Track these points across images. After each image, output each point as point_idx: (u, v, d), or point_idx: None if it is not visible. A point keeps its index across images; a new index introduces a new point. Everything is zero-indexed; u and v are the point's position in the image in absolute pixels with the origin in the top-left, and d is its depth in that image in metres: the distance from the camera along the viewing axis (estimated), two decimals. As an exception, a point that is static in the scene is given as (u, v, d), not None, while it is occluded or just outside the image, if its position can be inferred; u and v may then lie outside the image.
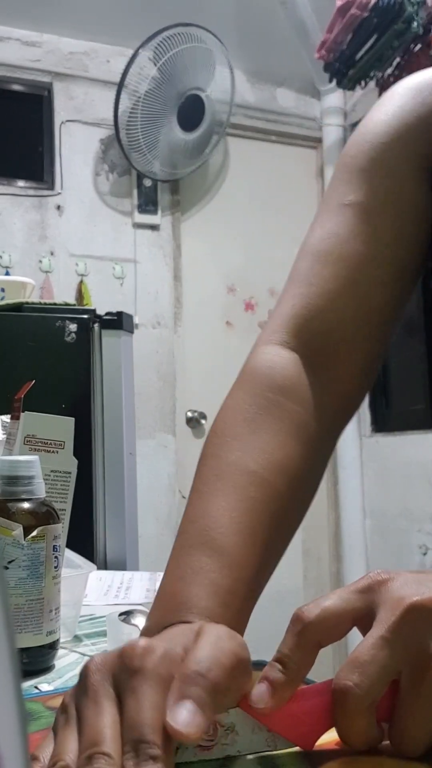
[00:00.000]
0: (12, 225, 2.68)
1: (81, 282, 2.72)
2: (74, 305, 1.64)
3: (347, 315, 0.57)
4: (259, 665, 0.54)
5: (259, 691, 0.36)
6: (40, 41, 2.76)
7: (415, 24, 2.32)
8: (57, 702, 0.48)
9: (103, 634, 0.68)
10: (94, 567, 0.73)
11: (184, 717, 0.31)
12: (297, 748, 0.38)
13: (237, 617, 0.46)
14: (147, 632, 0.44)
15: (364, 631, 0.37)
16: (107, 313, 1.60)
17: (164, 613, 0.45)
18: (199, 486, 0.52)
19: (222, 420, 0.56)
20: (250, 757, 0.38)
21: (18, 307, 1.52)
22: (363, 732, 0.36)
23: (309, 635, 0.38)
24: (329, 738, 0.39)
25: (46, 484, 0.62)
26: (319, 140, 3.19)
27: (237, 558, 0.48)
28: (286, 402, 0.55)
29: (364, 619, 0.38)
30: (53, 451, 0.69)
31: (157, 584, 0.50)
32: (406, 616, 0.35)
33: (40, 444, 0.69)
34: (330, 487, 3.04)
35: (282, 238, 3.15)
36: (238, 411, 0.55)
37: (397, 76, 2.58)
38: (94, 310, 1.60)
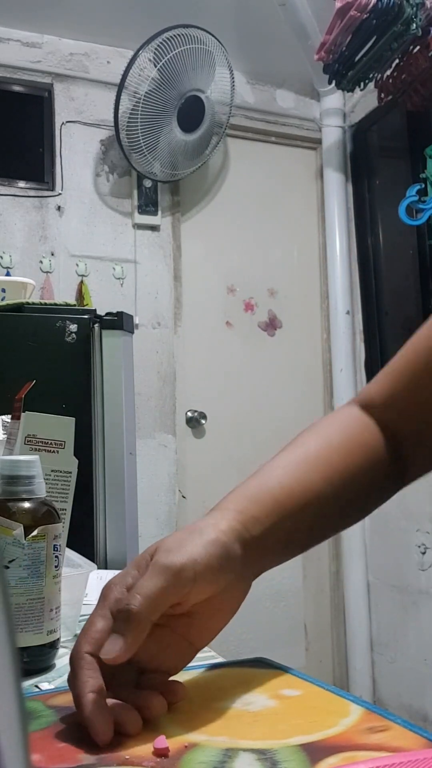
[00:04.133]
0: (12, 225, 2.68)
1: (81, 282, 2.73)
2: (74, 305, 1.64)
3: (409, 404, 0.62)
4: (260, 663, 0.55)
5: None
6: (41, 42, 2.77)
7: (414, 26, 2.32)
8: (57, 700, 0.48)
9: (103, 633, 0.68)
10: (95, 566, 0.73)
11: (107, 646, 0.43)
12: (297, 747, 0.38)
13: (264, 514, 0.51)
14: None
15: None
16: (107, 314, 1.60)
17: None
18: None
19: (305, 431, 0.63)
20: (249, 754, 0.38)
21: (18, 308, 1.52)
22: None
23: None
24: (329, 734, 0.39)
25: (46, 483, 0.62)
26: (319, 141, 3.19)
27: (278, 478, 0.54)
28: (357, 428, 0.61)
29: None
30: (54, 451, 0.70)
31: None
32: None
33: (40, 444, 0.69)
34: (330, 488, 3.04)
35: (282, 238, 3.15)
36: (318, 424, 0.63)
37: (396, 78, 2.59)
38: (94, 311, 1.60)
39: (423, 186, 2.59)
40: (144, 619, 0.43)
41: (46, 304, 1.60)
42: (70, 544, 0.73)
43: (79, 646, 0.44)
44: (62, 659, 0.61)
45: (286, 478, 0.54)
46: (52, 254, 2.72)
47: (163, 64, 2.59)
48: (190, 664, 0.53)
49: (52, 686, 0.54)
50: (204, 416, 2.88)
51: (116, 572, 0.97)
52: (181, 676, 0.51)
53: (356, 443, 0.60)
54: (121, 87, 2.61)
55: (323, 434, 0.60)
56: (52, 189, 2.76)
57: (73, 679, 0.43)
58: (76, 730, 0.43)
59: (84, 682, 0.42)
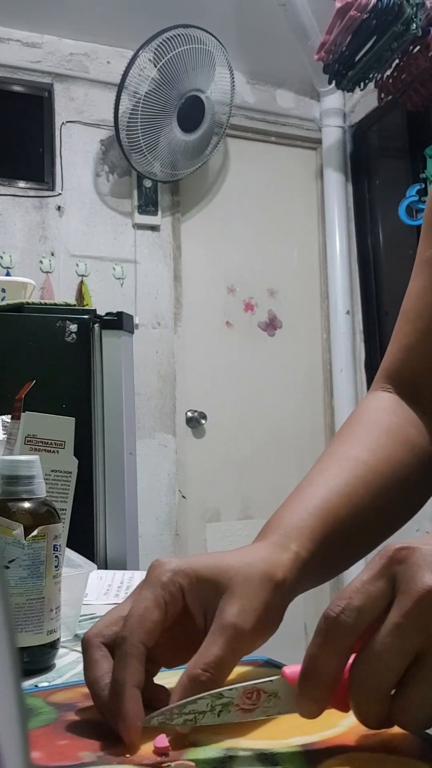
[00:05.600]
0: (12, 226, 2.68)
1: (81, 282, 2.73)
2: (74, 305, 1.64)
3: (424, 362, 0.64)
4: (264, 663, 0.55)
5: (306, 710, 0.38)
6: (41, 42, 2.77)
7: (414, 26, 2.32)
8: (58, 697, 0.49)
9: (103, 633, 0.68)
10: (95, 566, 0.73)
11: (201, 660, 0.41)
12: (297, 747, 0.39)
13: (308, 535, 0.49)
14: None
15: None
16: (107, 314, 1.60)
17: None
18: (307, 473, 0.57)
19: (340, 430, 0.63)
20: (249, 754, 0.38)
21: (18, 308, 1.52)
22: (375, 715, 0.37)
23: (345, 642, 0.37)
24: (330, 735, 0.39)
25: (46, 483, 0.62)
26: (319, 141, 3.19)
27: (321, 492, 0.53)
28: (394, 418, 0.61)
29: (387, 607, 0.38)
30: (54, 451, 0.70)
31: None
32: (422, 602, 0.35)
33: (40, 444, 0.69)
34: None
35: (282, 238, 3.15)
36: (353, 423, 0.62)
37: (396, 78, 2.59)
38: (94, 311, 1.60)
39: (423, 186, 2.59)
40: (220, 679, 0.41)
41: (46, 304, 1.60)
42: (70, 544, 0.73)
43: (131, 633, 0.41)
44: (62, 659, 0.61)
45: (335, 497, 0.52)
46: (52, 254, 2.72)
47: (163, 64, 2.59)
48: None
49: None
50: (204, 416, 2.89)
51: (117, 571, 0.97)
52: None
53: (400, 440, 0.59)
54: (121, 87, 2.61)
55: (368, 441, 0.58)
56: (52, 189, 2.76)
57: (119, 663, 0.41)
58: (77, 727, 0.43)
59: (132, 673, 0.41)
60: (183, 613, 0.44)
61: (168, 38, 2.55)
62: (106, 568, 1.38)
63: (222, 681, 0.40)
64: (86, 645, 0.44)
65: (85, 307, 1.81)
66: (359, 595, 0.37)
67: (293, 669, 0.39)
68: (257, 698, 0.39)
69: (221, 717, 0.39)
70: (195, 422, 2.89)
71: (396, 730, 0.38)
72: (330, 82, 2.75)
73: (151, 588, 0.43)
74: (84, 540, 1.41)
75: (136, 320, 2.74)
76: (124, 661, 0.41)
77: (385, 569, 0.38)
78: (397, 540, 0.41)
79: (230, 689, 0.39)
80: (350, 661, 0.37)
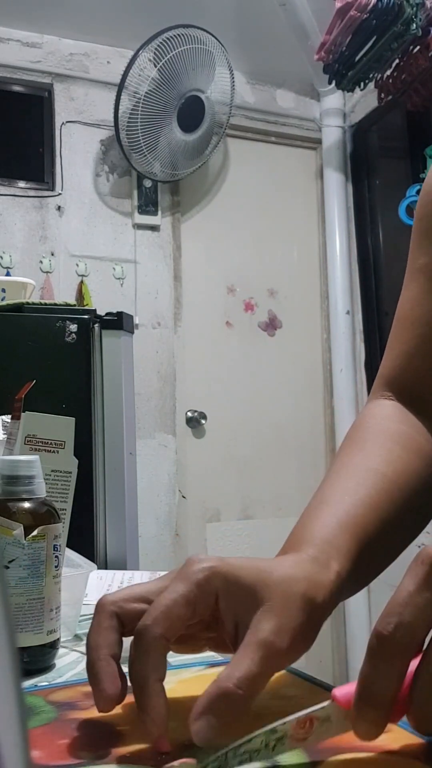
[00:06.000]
0: (12, 225, 2.68)
1: (81, 282, 2.73)
2: (74, 305, 1.64)
3: (423, 368, 0.64)
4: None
5: (366, 734, 0.37)
6: (41, 42, 2.77)
7: (414, 26, 2.32)
8: (57, 696, 0.49)
9: (103, 633, 0.68)
10: (95, 566, 0.73)
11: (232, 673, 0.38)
12: (298, 749, 0.39)
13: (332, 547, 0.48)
14: None
15: None
16: (107, 314, 1.60)
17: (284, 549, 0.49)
18: (323, 483, 0.56)
19: (347, 437, 0.62)
20: (249, 755, 0.38)
21: (18, 308, 1.52)
22: (393, 682, 0.36)
23: (402, 661, 0.36)
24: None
25: (46, 483, 0.62)
26: (319, 141, 3.19)
27: (346, 506, 0.51)
28: (401, 426, 0.61)
29: None
30: (54, 451, 0.70)
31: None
32: None
33: (40, 444, 0.69)
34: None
35: (282, 238, 3.15)
36: (361, 432, 0.61)
37: (396, 78, 2.59)
38: (94, 311, 1.60)
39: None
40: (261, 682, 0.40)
41: (46, 304, 1.60)
42: (70, 544, 0.73)
43: (155, 624, 0.40)
44: (62, 659, 0.61)
45: (362, 510, 0.51)
46: (52, 254, 2.72)
47: (163, 64, 2.59)
48: (190, 662, 0.53)
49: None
50: (204, 416, 2.89)
51: (117, 571, 0.97)
52: (182, 675, 0.51)
53: (412, 450, 0.59)
54: (121, 87, 2.61)
55: (382, 452, 0.57)
56: (52, 189, 2.76)
57: (139, 657, 0.40)
58: (77, 726, 0.43)
59: (155, 666, 0.39)
60: (210, 615, 0.42)
61: (168, 38, 2.55)
62: (106, 568, 1.38)
63: (253, 699, 0.38)
64: (100, 608, 0.43)
65: (85, 307, 1.81)
66: (409, 608, 0.36)
67: (344, 691, 0.37)
68: (310, 727, 0.37)
69: (276, 751, 0.37)
70: (195, 422, 2.89)
71: (397, 731, 0.38)
72: (330, 82, 2.75)
73: (185, 583, 0.41)
74: (84, 540, 1.41)
75: (136, 320, 2.74)
76: (147, 653, 0.40)
77: (430, 576, 0.37)
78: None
79: (283, 723, 0.37)
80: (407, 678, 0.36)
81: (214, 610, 0.42)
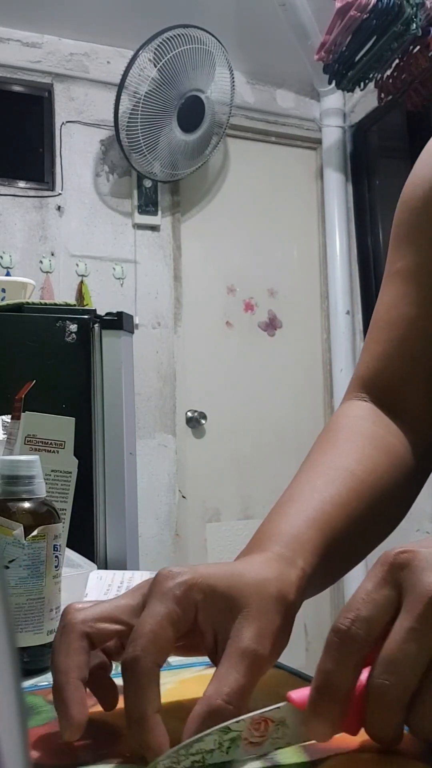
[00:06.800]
0: (12, 225, 2.68)
1: (81, 282, 2.73)
2: (74, 305, 1.64)
3: (399, 371, 0.64)
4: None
5: (320, 731, 0.37)
6: (41, 42, 2.77)
7: (413, 26, 2.32)
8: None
9: (103, 633, 0.68)
10: (95, 566, 0.73)
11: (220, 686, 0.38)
12: (298, 748, 0.39)
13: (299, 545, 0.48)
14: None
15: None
16: (107, 314, 1.60)
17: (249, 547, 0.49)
18: (292, 481, 0.56)
19: (319, 437, 0.62)
20: (251, 756, 0.38)
21: (18, 308, 1.52)
22: (396, 727, 0.36)
23: (359, 654, 0.36)
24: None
25: (46, 483, 0.62)
26: (319, 141, 3.19)
27: (316, 503, 0.51)
28: (374, 427, 0.61)
29: (395, 614, 0.37)
30: (54, 451, 0.70)
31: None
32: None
33: (40, 444, 0.69)
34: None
35: (282, 238, 3.15)
36: (333, 432, 0.61)
37: (396, 78, 2.59)
38: (94, 311, 1.60)
39: (423, 186, 2.58)
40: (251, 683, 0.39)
41: (46, 304, 1.60)
42: (70, 544, 0.73)
43: (145, 653, 0.38)
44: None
45: (330, 507, 0.51)
46: (52, 254, 2.72)
47: (163, 64, 2.59)
48: (189, 662, 0.53)
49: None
50: (204, 416, 2.89)
51: (116, 571, 0.97)
52: (182, 675, 0.51)
53: (384, 450, 0.59)
54: (121, 87, 2.61)
55: (354, 451, 0.57)
56: (52, 189, 2.76)
57: (135, 692, 0.38)
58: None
59: (152, 700, 0.37)
60: (189, 629, 0.41)
61: (168, 38, 2.55)
62: (106, 568, 1.38)
63: (243, 712, 0.37)
64: (69, 627, 0.41)
65: (85, 307, 1.81)
66: (367, 605, 0.36)
67: (300, 693, 0.37)
68: (265, 729, 0.37)
69: (230, 754, 0.36)
70: (195, 422, 2.89)
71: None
72: (330, 82, 2.75)
73: (164, 602, 0.39)
74: (84, 540, 1.41)
75: (136, 320, 2.74)
76: (142, 688, 0.38)
77: (389, 575, 0.37)
78: (391, 543, 0.41)
79: (237, 721, 0.36)
80: (362, 676, 0.36)
81: (192, 621, 0.41)
